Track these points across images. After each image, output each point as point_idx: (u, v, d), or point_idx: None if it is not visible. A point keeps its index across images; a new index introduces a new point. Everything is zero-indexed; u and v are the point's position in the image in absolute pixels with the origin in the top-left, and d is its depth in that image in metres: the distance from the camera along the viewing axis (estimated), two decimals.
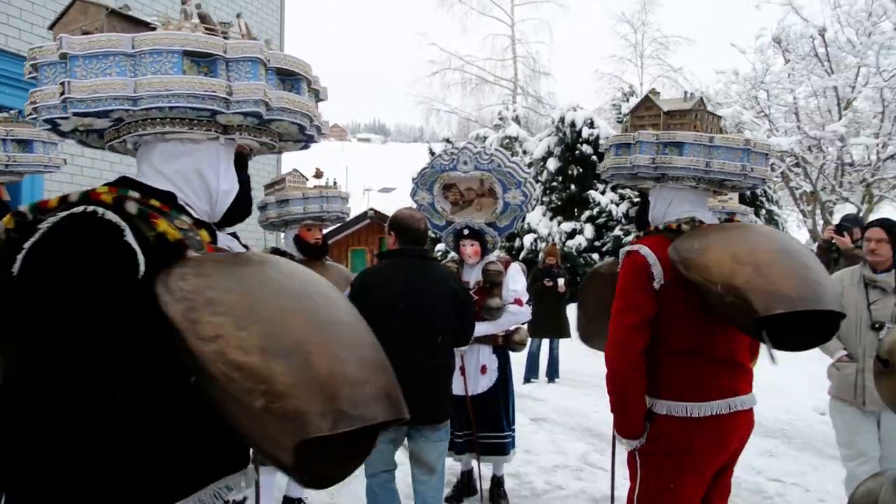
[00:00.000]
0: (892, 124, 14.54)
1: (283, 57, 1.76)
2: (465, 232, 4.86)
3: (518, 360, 6.89)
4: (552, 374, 10.12)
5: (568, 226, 17.01)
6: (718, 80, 16.25)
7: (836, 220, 13.94)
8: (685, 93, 3.16)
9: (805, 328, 2.53)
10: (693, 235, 2.68)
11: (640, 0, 29.96)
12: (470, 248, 4.83)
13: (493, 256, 4.93)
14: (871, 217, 14.53)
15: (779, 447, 6.51)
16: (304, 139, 1.97)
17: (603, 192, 16.87)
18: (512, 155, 5.33)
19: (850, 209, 15.20)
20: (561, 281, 9.85)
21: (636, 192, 16.19)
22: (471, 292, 4.63)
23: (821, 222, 15.10)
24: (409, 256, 3.69)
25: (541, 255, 10.86)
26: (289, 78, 1.79)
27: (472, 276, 4.84)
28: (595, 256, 16.31)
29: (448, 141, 21.04)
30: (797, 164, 15.17)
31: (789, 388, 8.14)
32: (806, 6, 14.98)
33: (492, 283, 4.76)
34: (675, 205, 2.89)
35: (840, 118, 14.52)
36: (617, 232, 16.17)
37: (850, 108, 14.43)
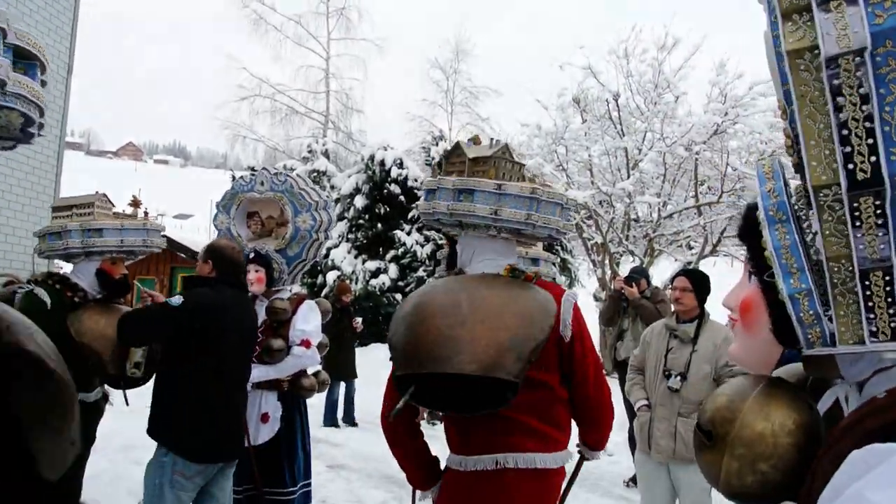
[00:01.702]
0: (672, 186, 16.04)
1: (25, 35, 1.46)
2: (251, 256, 4.54)
3: (314, 403, 6.62)
4: (349, 418, 9.85)
5: (373, 264, 16.96)
6: (523, 133, 17.03)
7: (622, 270, 15.04)
8: (491, 140, 3.20)
9: (469, 391, 2.41)
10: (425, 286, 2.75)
11: (453, 48, 31.31)
12: (254, 273, 4.46)
13: (285, 292, 4.64)
14: (653, 269, 15.93)
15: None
16: (18, 138, 1.65)
17: (409, 233, 17.05)
18: (320, 189, 5.17)
19: (633, 261, 16.32)
20: (358, 321, 9.73)
21: (440, 234, 16.51)
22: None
23: (609, 272, 16.11)
24: (232, 286, 3.58)
25: (332, 293, 10.54)
26: (24, 61, 1.50)
27: (260, 313, 4.46)
28: (398, 297, 16.37)
29: (253, 170, 20.32)
30: (590, 217, 16.12)
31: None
32: (604, 72, 16.21)
33: (277, 321, 4.43)
34: (479, 253, 2.87)
35: (629, 177, 15.66)
36: (421, 273, 16.37)
37: (637, 169, 15.58)
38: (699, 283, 4.48)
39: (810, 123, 0.97)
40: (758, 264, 1.13)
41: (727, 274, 17.79)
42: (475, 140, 3.18)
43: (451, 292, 2.59)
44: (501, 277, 2.75)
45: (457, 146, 3.11)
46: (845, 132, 0.93)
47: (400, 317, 2.56)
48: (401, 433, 2.71)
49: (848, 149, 0.94)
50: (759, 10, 1.05)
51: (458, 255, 2.97)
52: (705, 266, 15.48)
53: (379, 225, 17.29)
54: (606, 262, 16.43)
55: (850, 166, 0.94)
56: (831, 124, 0.95)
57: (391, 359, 2.50)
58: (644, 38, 17.03)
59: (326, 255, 16.73)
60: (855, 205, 0.95)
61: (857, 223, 0.96)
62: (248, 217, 4.93)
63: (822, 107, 0.96)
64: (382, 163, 17.26)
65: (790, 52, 0.97)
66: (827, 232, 0.99)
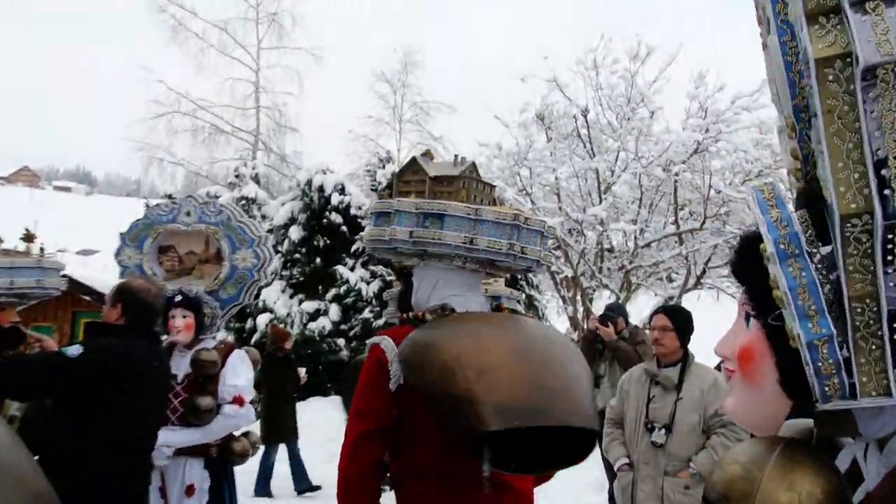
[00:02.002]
0: (649, 212, 16.27)
1: None
2: (177, 299, 4.41)
3: (246, 470, 6.51)
4: (301, 485, 9.26)
5: (311, 305, 16.78)
6: (481, 153, 17.03)
7: (596, 307, 15.15)
8: (455, 157, 3.19)
9: (546, 446, 2.44)
10: (429, 327, 2.62)
11: (401, 59, 31.56)
12: (181, 320, 4.35)
13: (209, 341, 4.53)
14: (631, 305, 16.14)
15: None
16: None
17: (352, 268, 16.94)
18: (249, 218, 5.13)
19: (608, 296, 16.57)
20: (302, 371, 9.49)
21: (389, 271, 16.59)
22: (178, 388, 4.25)
23: (581, 309, 16.24)
24: (144, 336, 3.49)
25: (268, 339, 10.11)
26: None
27: (181, 367, 4.35)
28: (341, 342, 16.22)
29: (170, 197, 20.10)
30: (558, 247, 16.08)
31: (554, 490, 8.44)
32: (570, 85, 16.50)
33: (204, 376, 4.31)
34: (441, 287, 2.85)
35: (601, 202, 15.77)
36: (366, 314, 16.25)
37: (611, 193, 15.72)
38: (681, 321, 4.50)
39: (838, 143, 0.94)
40: (760, 304, 1.12)
41: (713, 309, 18.10)
42: (428, 155, 3.20)
43: (504, 330, 2.56)
44: (520, 316, 2.82)
45: (413, 162, 3.10)
46: (881, 153, 0.91)
47: (450, 363, 2.36)
48: (363, 496, 2.59)
49: (885, 172, 0.92)
50: (743, 14, 1.05)
51: (413, 290, 2.94)
52: (689, 301, 15.70)
53: (317, 260, 17.13)
54: (578, 298, 16.49)
55: (887, 192, 0.92)
56: (862, 143, 0.92)
57: (450, 413, 2.31)
58: (615, 48, 17.42)
59: (257, 296, 16.51)
60: (890, 236, 0.93)
61: (889, 257, 0.94)
62: (160, 251, 4.83)
63: (853, 123, 0.93)
64: (321, 188, 17.18)
65: (819, 61, 0.94)
66: (851, 268, 0.96)
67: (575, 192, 17.08)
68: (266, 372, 8.88)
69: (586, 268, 16.16)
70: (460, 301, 2.79)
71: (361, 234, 3.02)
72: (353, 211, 17.07)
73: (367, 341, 2.80)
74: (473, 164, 3.10)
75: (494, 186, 3.19)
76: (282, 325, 10.90)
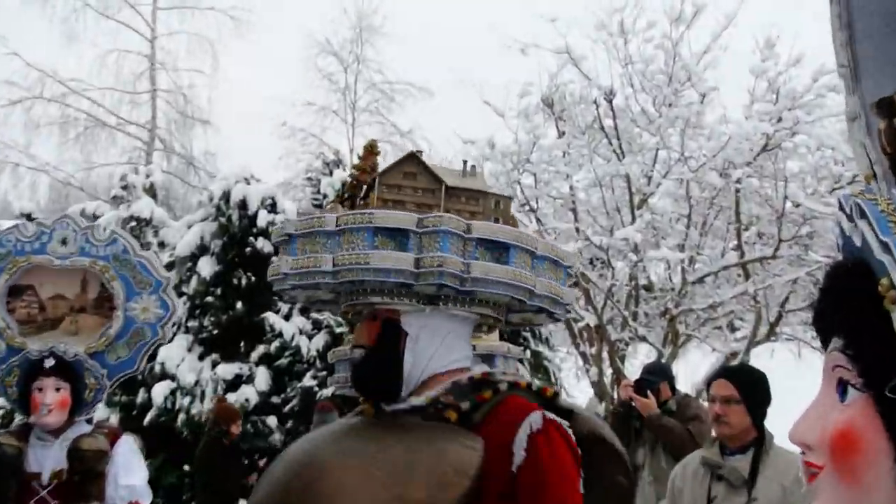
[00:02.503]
0: (701, 234, 16.11)
1: None
2: (49, 364, 4.33)
3: None
4: None
5: (229, 369, 16.66)
6: (466, 153, 16.74)
7: (630, 368, 15.15)
8: (465, 163, 3.45)
9: None
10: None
11: (354, 25, 31.70)
12: (54, 393, 4.28)
13: (84, 425, 4.49)
14: (678, 365, 16.00)
15: None
16: None
17: (287, 317, 16.89)
18: (142, 247, 5.09)
19: (647, 353, 16.71)
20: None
21: (338, 319, 16.41)
22: (42, 492, 4.19)
23: (609, 371, 16.15)
24: None
25: (210, 420, 10.03)
26: None
27: (47, 460, 4.31)
28: (272, 421, 16.14)
29: (29, 217, 19.89)
30: (576, 284, 15.69)
31: None
32: (589, 57, 16.53)
33: (85, 472, 4.25)
34: (451, 345, 3.04)
35: (633, 220, 15.54)
36: (308, 381, 16.13)
37: (647, 207, 15.60)
38: (752, 389, 4.50)
39: None
40: (868, 368, 1.09)
41: (793, 368, 18.02)
42: (371, 149, 3.38)
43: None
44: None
45: (408, 161, 3.31)
46: None
47: None
48: None
49: None
50: None
51: (410, 349, 3.02)
52: (760, 358, 15.70)
53: (238, 304, 17.02)
54: (605, 355, 16.37)
55: None
56: None
57: None
58: (650, 6, 17.22)
59: (153, 356, 16.38)
60: None
61: None
62: (11, 293, 4.76)
63: None
64: (243, 204, 17.12)
65: None
66: None
67: (598, 206, 16.95)
68: (206, 466, 9.08)
69: (615, 313, 16.05)
70: (476, 368, 3.05)
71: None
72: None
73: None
74: (481, 175, 3.40)
75: (511, 199, 3.50)
76: (189, 398, 10.78)
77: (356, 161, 3.43)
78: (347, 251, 2.94)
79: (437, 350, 3.03)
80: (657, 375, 7.51)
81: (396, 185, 3.24)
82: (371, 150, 3.38)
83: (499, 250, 2.99)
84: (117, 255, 4.70)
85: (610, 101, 16.23)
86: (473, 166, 3.43)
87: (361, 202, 3.26)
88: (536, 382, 3.13)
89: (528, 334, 16.97)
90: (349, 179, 3.35)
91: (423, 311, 3.05)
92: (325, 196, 17.77)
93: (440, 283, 2.94)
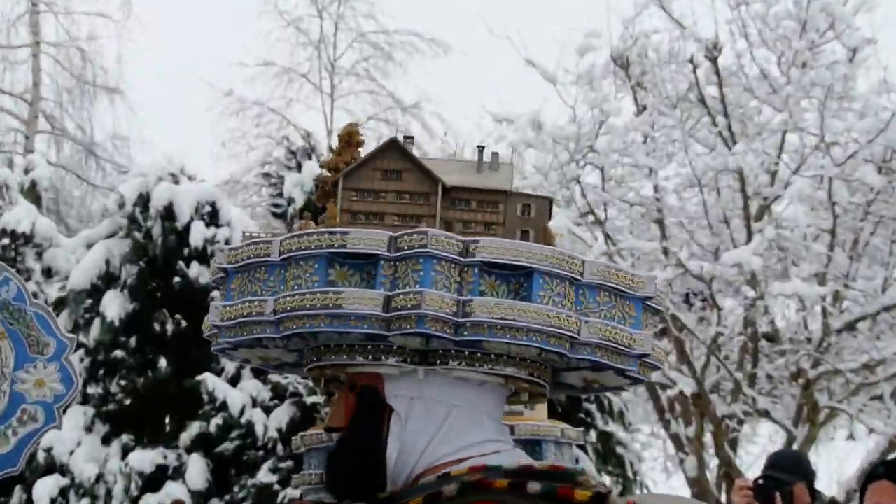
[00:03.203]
0: (852, 258, 16.34)
1: None
2: None
3: None
4: None
5: (148, 457, 16.74)
6: (500, 136, 17.07)
7: (748, 459, 15.06)
8: (480, 151, 3.47)
9: None
10: None
11: None
12: None
13: None
14: (817, 453, 15.79)
15: None
16: None
17: (233, 379, 17.15)
18: (19, 273, 5.20)
19: (772, 437, 17.07)
20: None
21: (310, 384, 16.11)
22: None
23: (715, 463, 16.48)
24: None
25: None
26: None
27: None
28: None
29: None
30: (663, 332, 16.06)
31: None
32: None
33: None
34: (460, 421, 3.02)
35: (749, 237, 15.80)
36: (265, 476, 16.21)
37: (769, 217, 15.92)
38: None
39: None
40: None
41: None
42: (349, 138, 3.39)
43: None
44: None
45: (392, 147, 3.33)
46: None
47: None
48: None
49: None
50: None
51: (396, 436, 3.02)
52: None
53: (161, 362, 17.17)
54: (707, 438, 16.54)
55: None
56: None
57: None
58: None
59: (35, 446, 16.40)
60: None
61: None
62: None
63: None
64: (169, 212, 17.32)
65: None
66: None
67: (696, 216, 17.30)
68: None
69: (723, 375, 16.37)
70: (504, 457, 2.93)
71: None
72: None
73: None
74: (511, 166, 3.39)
75: (550, 199, 3.46)
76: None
77: (334, 150, 3.36)
78: (291, 291, 2.91)
79: (439, 431, 2.97)
80: (789, 472, 7.49)
81: (371, 189, 3.23)
82: (349, 138, 3.36)
83: (517, 279, 2.92)
84: (6, 302, 4.83)
85: (714, 60, 16.47)
86: (496, 154, 3.40)
87: (310, 212, 3.42)
88: (601, 481, 3.14)
89: (592, 406, 17.13)
90: (319, 181, 3.34)
91: (415, 375, 3.01)
92: (290, 201, 18.23)
93: (421, 333, 2.86)
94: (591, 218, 16.58)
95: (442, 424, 2.98)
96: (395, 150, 3.29)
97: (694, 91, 16.80)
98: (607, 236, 16.33)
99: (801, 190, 15.53)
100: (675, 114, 16.89)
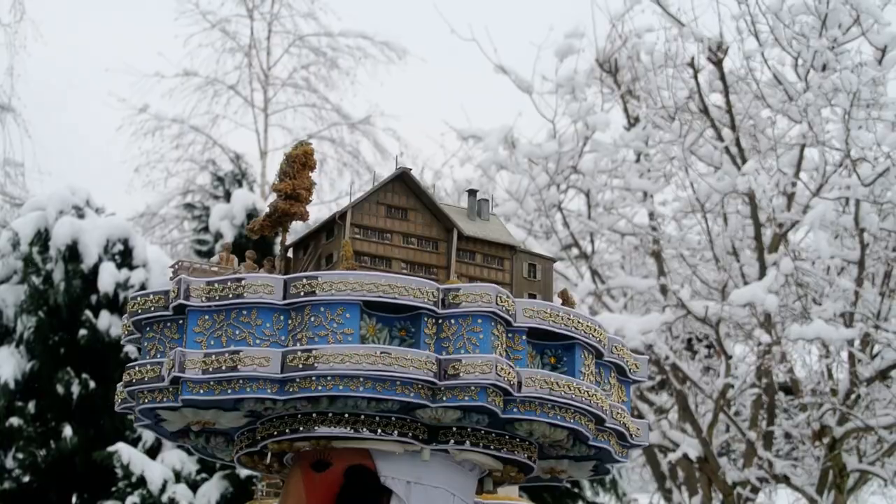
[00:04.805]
0: (883, 294, 16.00)
1: None
2: None
3: None
4: None
5: None
6: (466, 157, 17.90)
7: None
8: (472, 195, 4.17)
9: None
10: None
11: None
12: None
13: None
14: None
15: None
16: None
17: (154, 450, 16.44)
18: None
19: (791, 503, 17.21)
20: None
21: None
22: None
23: None
24: None
25: None
26: None
27: None
28: None
29: None
30: (662, 385, 16.39)
31: None
32: None
33: None
34: None
35: (763, 271, 15.41)
36: None
37: (785, 248, 15.54)
38: None
39: None
40: None
41: None
42: (307, 154, 3.84)
43: None
44: None
45: (402, 179, 3.81)
46: None
47: None
48: None
49: None
50: None
51: None
52: None
53: (66, 430, 16.14)
54: None
55: None
56: None
57: None
58: None
59: None
60: None
61: None
62: None
63: None
64: (73, 252, 16.36)
65: None
66: None
67: (698, 247, 17.50)
68: None
69: (733, 435, 16.68)
70: None
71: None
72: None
73: None
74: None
75: (553, 261, 4.13)
76: None
77: (277, 176, 3.54)
78: (307, 345, 3.19)
79: None
80: None
81: (375, 227, 3.66)
82: (305, 159, 3.71)
83: (556, 350, 3.44)
84: None
85: (718, 63, 16.22)
86: (485, 200, 4.02)
87: (309, 258, 3.74)
88: None
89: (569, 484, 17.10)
90: (272, 209, 3.62)
91: (417, 455, 3.45)
92: (217, 236, 17.97)
93: (479, 408, 3.25)
94: (574, 251, 16.56)
95: None
96: (403, 183, 3.68)
97: (695, 100, 16.66)
98: (594, 273, 16.24)
99: (822, 215, 15.05)
100: (672, 127, 16.57)
